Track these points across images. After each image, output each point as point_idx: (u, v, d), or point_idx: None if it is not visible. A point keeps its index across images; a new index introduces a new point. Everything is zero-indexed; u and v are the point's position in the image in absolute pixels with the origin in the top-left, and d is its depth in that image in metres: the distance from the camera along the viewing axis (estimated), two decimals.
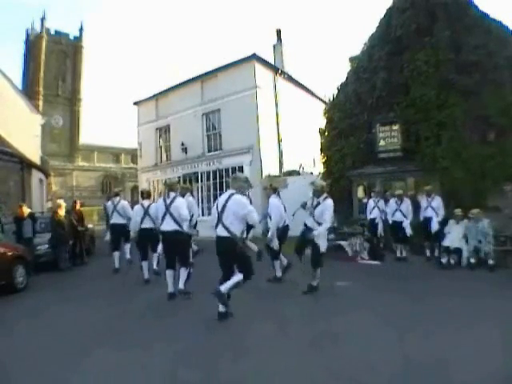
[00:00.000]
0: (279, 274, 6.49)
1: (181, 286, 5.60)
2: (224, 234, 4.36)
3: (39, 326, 4.73)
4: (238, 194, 4.47)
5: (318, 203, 5.57)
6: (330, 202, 5.51)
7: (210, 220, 4.81)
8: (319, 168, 12.71)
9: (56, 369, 3.42)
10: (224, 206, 4.39)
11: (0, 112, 14.05)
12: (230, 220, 4.35)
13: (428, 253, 8.34)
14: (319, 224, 5.44)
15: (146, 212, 6.84)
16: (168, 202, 5.58)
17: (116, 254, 8.29)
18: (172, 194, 5.68)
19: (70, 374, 3.31)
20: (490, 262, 7.01)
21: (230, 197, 4.43)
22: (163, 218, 5.54)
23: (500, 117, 8.76)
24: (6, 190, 12.66)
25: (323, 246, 5.45)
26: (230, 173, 15.32)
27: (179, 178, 17.45)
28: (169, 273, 5.64)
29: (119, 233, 8.25)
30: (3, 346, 4.08)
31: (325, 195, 5.65)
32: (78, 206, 10.60)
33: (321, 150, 12.25)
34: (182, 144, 17.08)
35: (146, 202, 7.10)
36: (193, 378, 3.16)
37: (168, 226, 5.50)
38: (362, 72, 11.14)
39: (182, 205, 5.60)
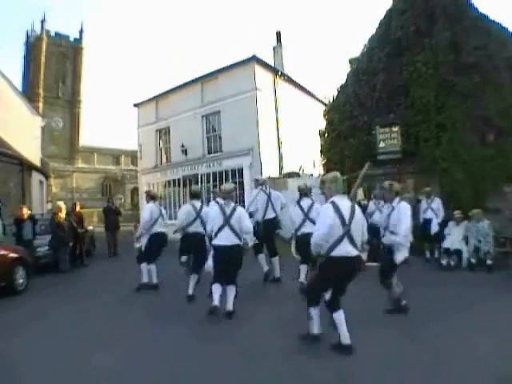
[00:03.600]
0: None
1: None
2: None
3: (39, 328, 4.72)
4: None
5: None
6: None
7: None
8: (319, 170, 12.70)
9: (56, 371, 3.42)
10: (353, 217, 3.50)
11: (0, 114, 14.06)
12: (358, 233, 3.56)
13: (428, 254, 8.34)
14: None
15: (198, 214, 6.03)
16: (228, 212, 4.84)
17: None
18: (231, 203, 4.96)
19: (70, 376, 3.31)
20: (489, 262, 7.01)
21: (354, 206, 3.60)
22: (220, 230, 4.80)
23: (500, 118, 8.76)
24: (5, 191, 12.65)
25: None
26: (230, 175, 15.33)
27: (179, 179, 17.48)
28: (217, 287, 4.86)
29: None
30: (3, 347, 4.07)
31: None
32: (77, 208, 10.61)
33: (321, 151, 12.25)
34: (182, 146, 17.07)
35: (197, 203, 6.20)
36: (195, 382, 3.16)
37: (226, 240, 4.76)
38: (361, 74, 11.15)
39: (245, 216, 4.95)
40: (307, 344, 3.70)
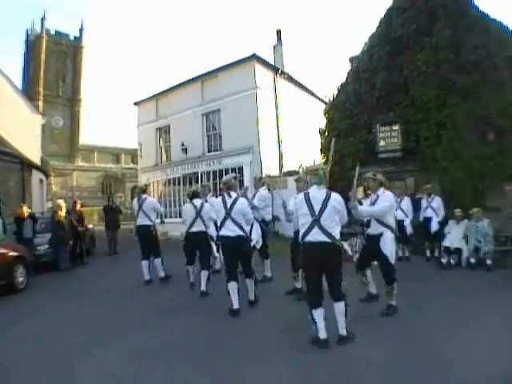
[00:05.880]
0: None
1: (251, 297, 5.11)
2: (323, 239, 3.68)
3: (39, 326, 4.74)
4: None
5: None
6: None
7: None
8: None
9: (55, 369, 3.43)
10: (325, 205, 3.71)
11: (0, 112, 14.04)
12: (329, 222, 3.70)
13: (428, 253, 8.34)
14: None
15: (198, 213, 6.04)
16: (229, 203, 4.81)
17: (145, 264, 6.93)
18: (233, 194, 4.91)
19: (70, 374, 3.32)
20: (488, 262, 7.00)
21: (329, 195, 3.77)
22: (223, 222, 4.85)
23: (500, 117, 8.74)
24: (6, 190, 12.65)
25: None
26: (230, 173, 15.30)
27: (179, 178, 17.48)
28: (232, 285, 4.78)
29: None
30: (3, 345, 4.09)
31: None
32: (78, 207, 10.63)
33: (321, 150, 12.23)
34: (182, 144, 17.07)
35: (197, 202, 6.16)
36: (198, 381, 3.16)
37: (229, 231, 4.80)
38: (361, 72, 11.13)
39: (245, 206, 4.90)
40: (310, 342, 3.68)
